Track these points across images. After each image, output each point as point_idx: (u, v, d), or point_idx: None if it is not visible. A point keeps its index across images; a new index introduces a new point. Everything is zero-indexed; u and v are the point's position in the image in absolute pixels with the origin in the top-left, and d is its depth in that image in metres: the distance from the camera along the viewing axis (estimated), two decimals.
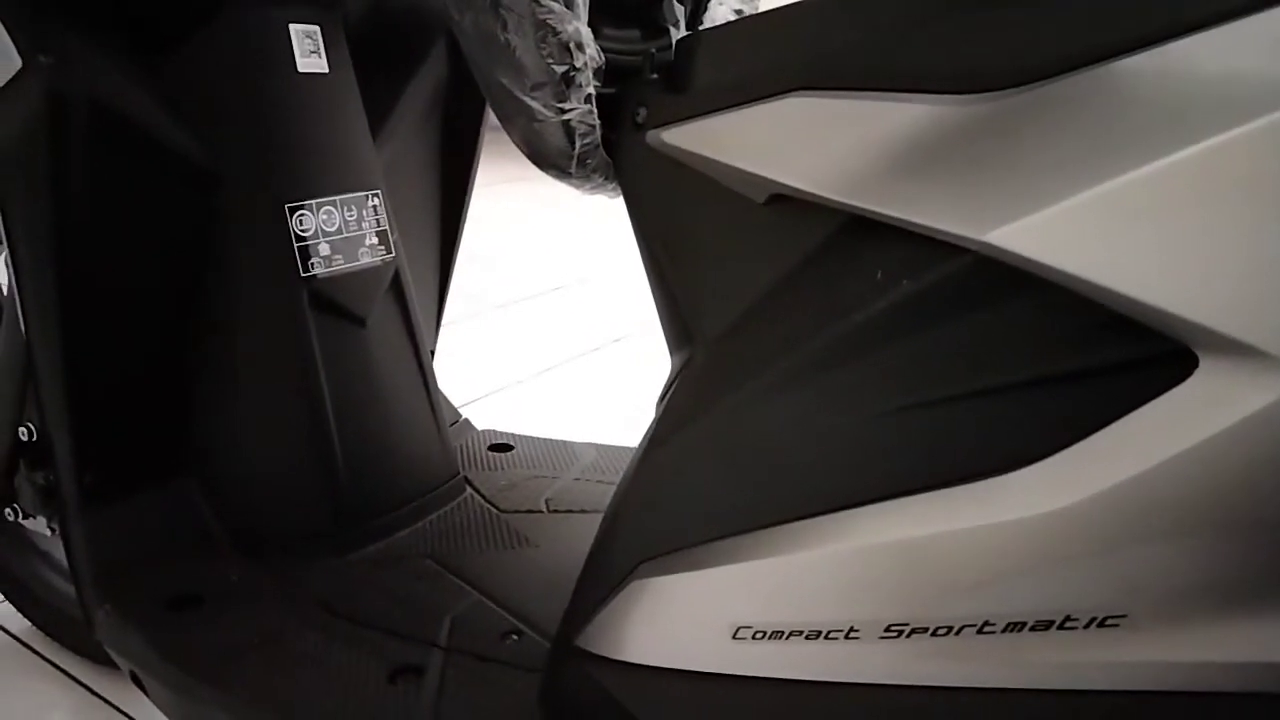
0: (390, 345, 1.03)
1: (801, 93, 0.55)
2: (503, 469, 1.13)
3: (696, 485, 0.59)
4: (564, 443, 1.21)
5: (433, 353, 1.19)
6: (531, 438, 1.22)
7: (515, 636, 0.81)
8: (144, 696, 0.88)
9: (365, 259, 1.00)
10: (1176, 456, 0.41)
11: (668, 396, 0.67)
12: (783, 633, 0.52)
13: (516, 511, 1.03)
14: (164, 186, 0.93)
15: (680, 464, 0.61)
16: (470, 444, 1.18)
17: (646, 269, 0.72)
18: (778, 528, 0.52)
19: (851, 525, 0.50)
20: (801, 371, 0.54)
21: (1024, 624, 0.45)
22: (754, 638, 0.53)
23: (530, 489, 1.08)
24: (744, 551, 0.53)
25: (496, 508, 1.04)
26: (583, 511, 1.03)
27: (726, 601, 0.54)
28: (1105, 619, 0.44)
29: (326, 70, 0.98)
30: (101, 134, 0.87)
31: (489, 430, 1.23)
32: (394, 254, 1.03)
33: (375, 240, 1.02)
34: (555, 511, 1.03)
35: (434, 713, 0.74)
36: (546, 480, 1.10)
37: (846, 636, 0.49)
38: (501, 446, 1.20)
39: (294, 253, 0.94)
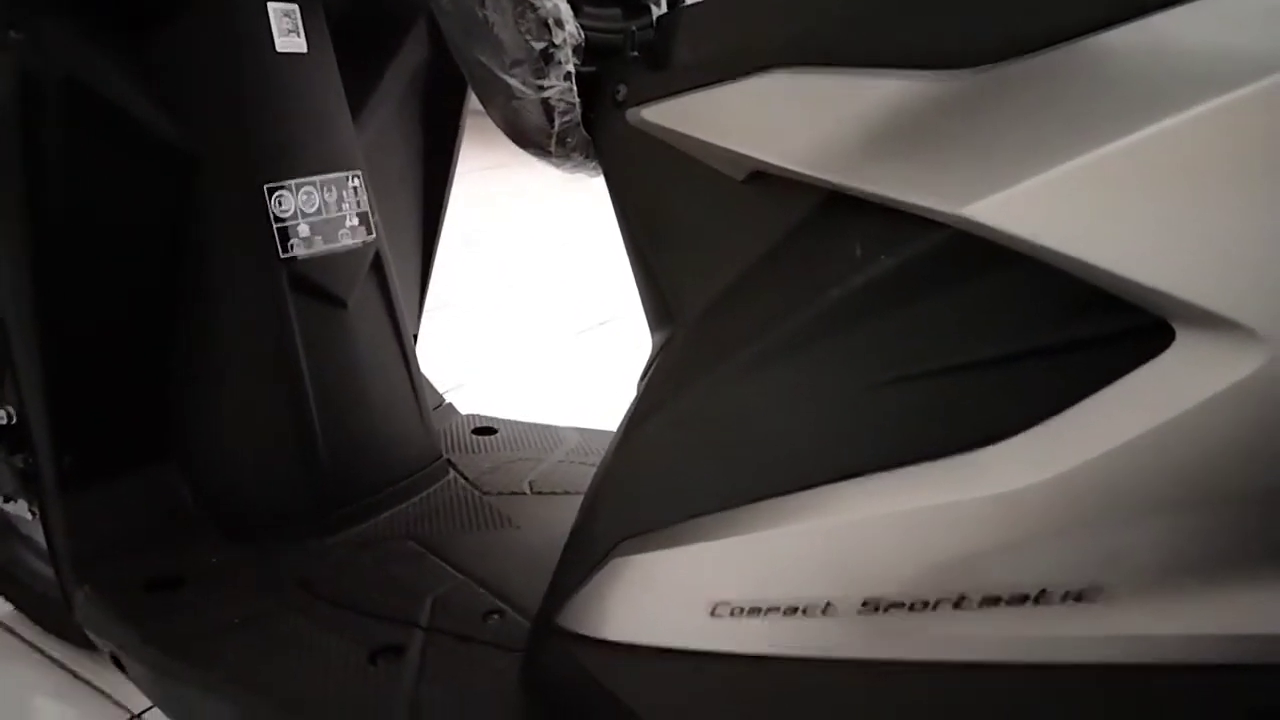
0: (371, 327, 1.02)
1: (781, 69, 0.54)
2: (486, 452, 1.13)
3: (676, 463, 0.59)
4: (548, 426, 1.20)
5: (415, 336, 1.19)
6: (515, 421, 1.22)
7: (497, 616, 0.81)
8: (125, 678, 0.88)
9: (346, 240, 0.99)
10: (1153, 430, 0.41)
11: (648, 376, 0.67)
12: (760, 609, 0.51)
13: (499, 493, 1.03)
14: (141, 167, 0.92)
15: (660, 442, 0.61)
16: (453, 427, 1.18)
17: (627, 248, 0.72)
18: (755, 504, 0.52)
19: (828, 501, 0.50)
20: (780, 348, 0.53)
21: (999, 598, 0.45)
22: (732, 614, 0.53)
23: (514, 471, 1.08)
24: (722, 528, 0.53)
25: (479, 490, 1.04)
26: (566, 493, 1.03)
27: (705, 578, 0.54)
28: (1081, 593, 0.44)
29: (305, 50, 0.97)
30: (76, 113, 0.86)
31: (472, 414, 1.23)
32: (375, 236, 1.03)
33: (356, 222, 1.01)
34: (539, 493, 1.03)
35: (414, 693, 0.74)
36: (530, 463, 1.10)
37: (823, 612, 0.49)
38: (485, 430, 1.19)
39: (273, 234, 0.93)
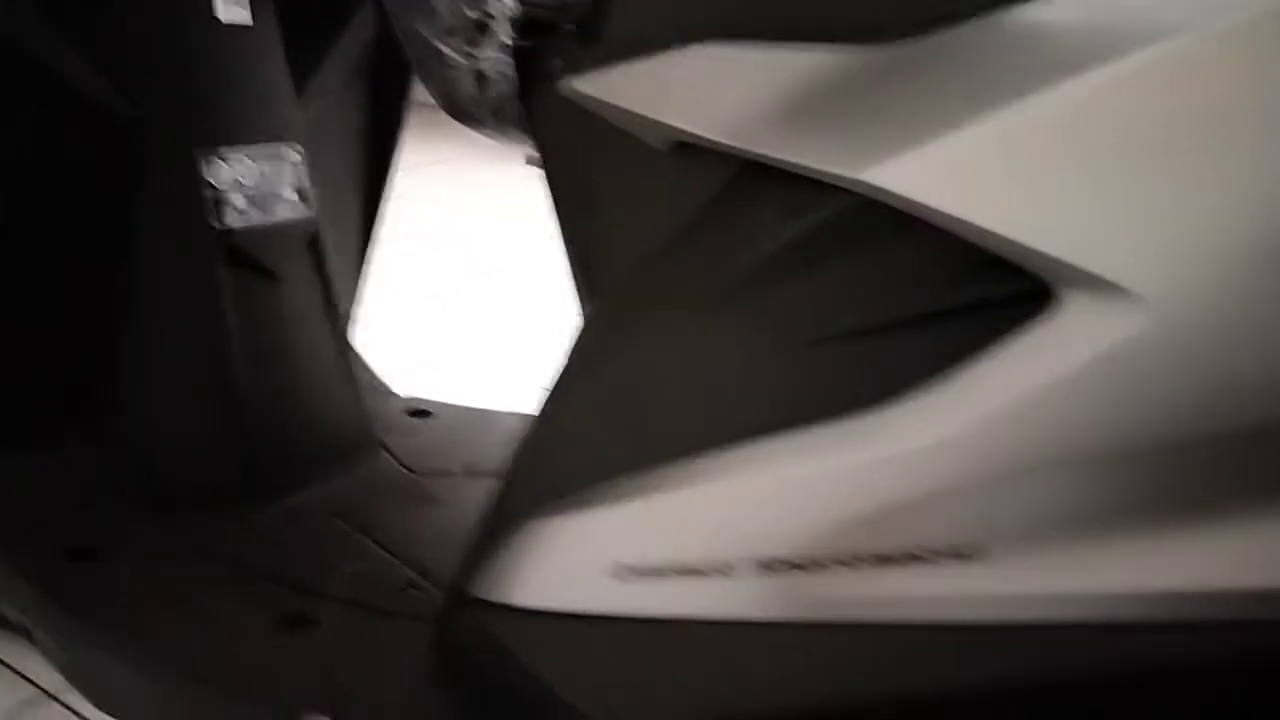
0: (304, 304, 1.01)
1: (707, 42, 0.55)
2: (420, 434, 1.12)
3: (590, 428, 0.59)
4: (486, 410, 1.20)
5: (352, 316, 1.18)
6: (453, 405, 1.21)
7: (416, 590, 0.81)
8: (37, 653, 0.86)
9: (282, 214, 0.98)
10: (1039, 391, 0.42)
11: (571, 347, 0.67)
12: (661, 571, 0.52)
13: (430, 474, 1.02)
14: (76, 131, 0.91)
15: (576, 409, 0.61)
16: (388, 408, 1.17)
17: (556, 222, 0.72)
18: (661, 467, 0.52)
19: (729, 463, 0.50)
20: (692, 315, 0.54)
21: (889, 558, 0.46)
22: (634, 577, 0.53)
23: (447, 453, 1.07)
24: (629, 491, 0.53)
25: (410, 470, 1.03)
26: (499, 476, 1.02)
27: (609, 542, 0.54)
28: (967, 552, 0.44)
29: (249, 21, 0.96)
30: (8, 74, 0.84)
31: (409, 396, 1.22)
32: (312, 212, 1.02)
33: (294, 196, 1.00)
34: (471, 475, 1.03)
35: (326, 663, 0.73)
36: (464, 445, 1.09)
37: (721, 573, 0.50)
38: (421, 412, 1.18)
39: (208, 204, 0.92)
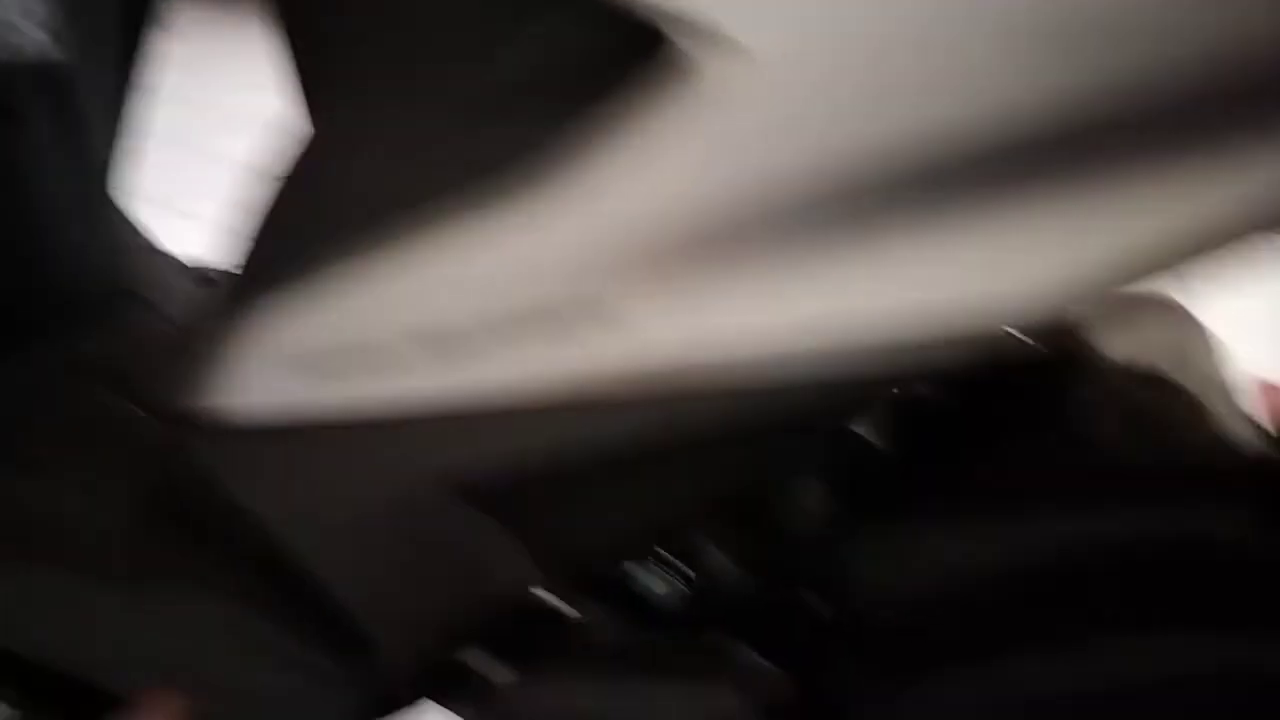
0: (53, 149, 0.94)
1: None
2: (195, 294, 1.07)
3: (294, 226, 0.57)
4: None
5: (115, 167, 1.10)
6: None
7: (148, 422, 0.77)
8: None
9: (19, 47, 0.90)
10: (671, 148, 0.41)
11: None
12: (341, 368, 0.50)
13: (197, 330, 0.98)
14: None
15: (281, 213, 0.58)
16: (166, 271, 1.11)
17: (283, 39, 0.68)
18: (345, 257, 0.50)
19: (397, 247, 0.48)
20: (382, 104, 0.52)
21: (535, 330, 0.45)
22: (318, 377, 0.51)
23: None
24: (317, 287, 0.51)
25: (176, 325, 0.98)
26: None
27: (295, 342, 0.52)
28: (603, 317, 0.44)
29: None
30: None
31: (193, 261, 1.16)
32: (59, 50, 0.94)
33: (33, 30, 0.92)
34: None
35: (51, 509, 0.70)
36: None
37: (391, 363, 0.49)
38: (205, 280, 1.13)
39: None
